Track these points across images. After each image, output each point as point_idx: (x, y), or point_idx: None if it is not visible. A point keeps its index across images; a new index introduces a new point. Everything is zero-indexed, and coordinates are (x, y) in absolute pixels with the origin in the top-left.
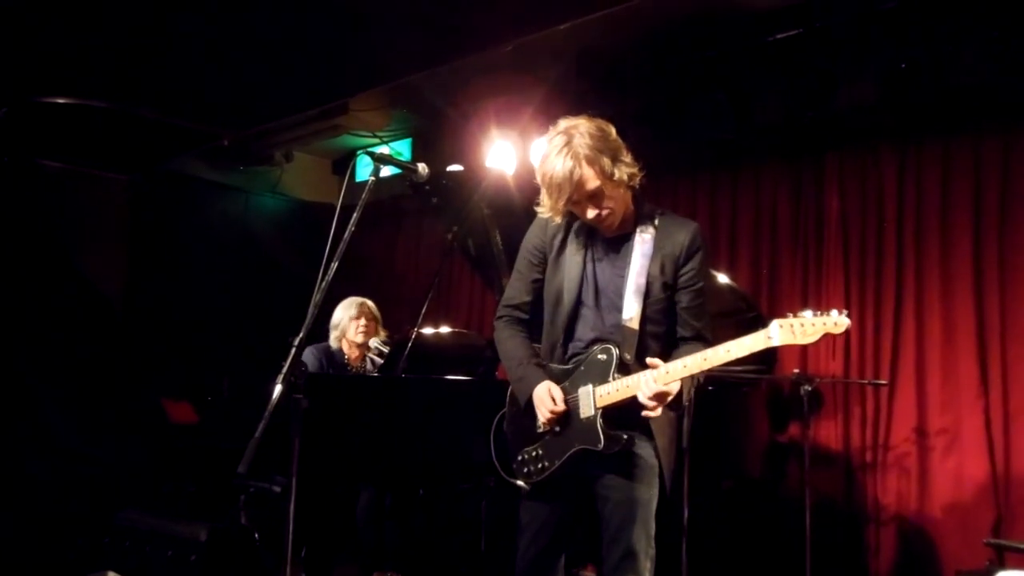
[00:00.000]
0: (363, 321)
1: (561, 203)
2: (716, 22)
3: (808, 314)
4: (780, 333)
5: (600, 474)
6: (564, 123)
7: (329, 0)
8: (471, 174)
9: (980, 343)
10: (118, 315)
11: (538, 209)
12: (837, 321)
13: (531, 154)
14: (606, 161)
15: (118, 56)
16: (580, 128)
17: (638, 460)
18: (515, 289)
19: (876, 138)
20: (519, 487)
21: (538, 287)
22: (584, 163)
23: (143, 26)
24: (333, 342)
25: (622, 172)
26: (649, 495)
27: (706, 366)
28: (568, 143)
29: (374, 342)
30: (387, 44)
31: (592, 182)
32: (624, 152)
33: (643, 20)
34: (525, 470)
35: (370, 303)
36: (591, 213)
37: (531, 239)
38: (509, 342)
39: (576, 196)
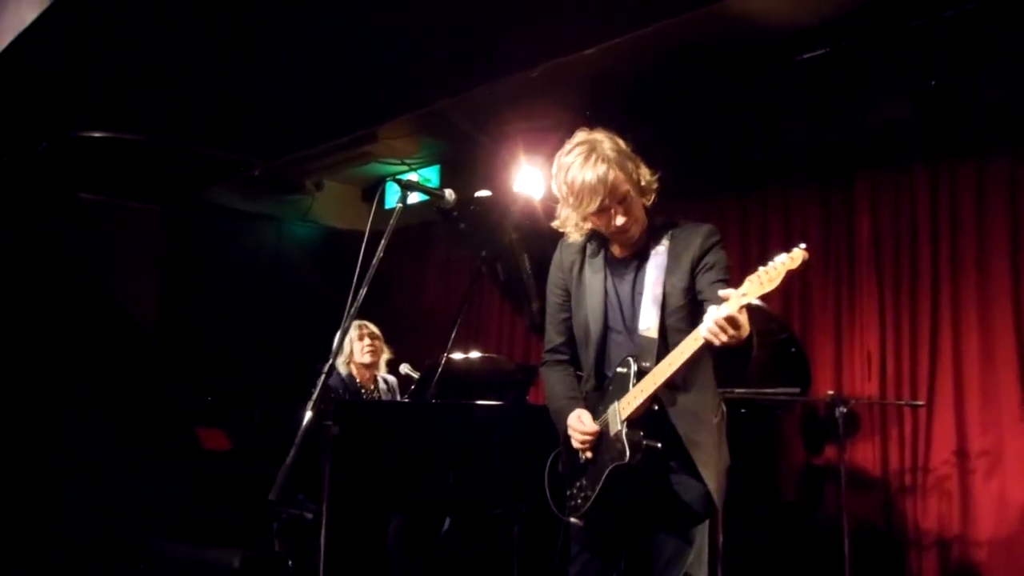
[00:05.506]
0: (367, 341)
1: (593, 207)
2: (743, 43)
3: (776, 259)
4: (750, 287)
5: (654, 515)
6: (581, 135)
7: (358, 28)
8: (499, 199)
9: (1021, 362)
10: (152, 343)
11: (555, 224)
12: (793, 255)
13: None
14: (631, 166)
15: (151, 89)
16: (599, 137)
17: (689, 493)
18: (549, 333)
19: (907, 157)
20: (572, 524)
21: (569, 324)
22: (615, 166)
23: (175, 59)
24: (342, 368)
25: (645, 177)
26: (702, 524)
27: (695, 346)
28: (594, 149)
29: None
30: (415, 71)
31: (624, 185)
32: (639, 161)
33: (670, 42)
34: (572, 504)
35: (369, 323)
36: (620, 220)
37: (552, 279)
38: (550, 384)
39: (608, 200)
